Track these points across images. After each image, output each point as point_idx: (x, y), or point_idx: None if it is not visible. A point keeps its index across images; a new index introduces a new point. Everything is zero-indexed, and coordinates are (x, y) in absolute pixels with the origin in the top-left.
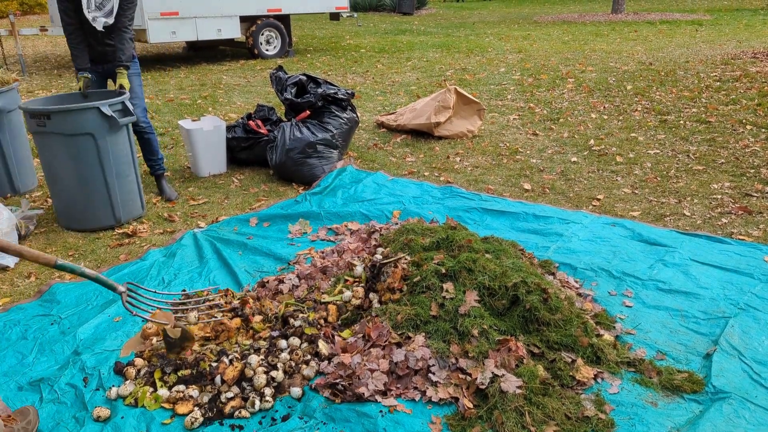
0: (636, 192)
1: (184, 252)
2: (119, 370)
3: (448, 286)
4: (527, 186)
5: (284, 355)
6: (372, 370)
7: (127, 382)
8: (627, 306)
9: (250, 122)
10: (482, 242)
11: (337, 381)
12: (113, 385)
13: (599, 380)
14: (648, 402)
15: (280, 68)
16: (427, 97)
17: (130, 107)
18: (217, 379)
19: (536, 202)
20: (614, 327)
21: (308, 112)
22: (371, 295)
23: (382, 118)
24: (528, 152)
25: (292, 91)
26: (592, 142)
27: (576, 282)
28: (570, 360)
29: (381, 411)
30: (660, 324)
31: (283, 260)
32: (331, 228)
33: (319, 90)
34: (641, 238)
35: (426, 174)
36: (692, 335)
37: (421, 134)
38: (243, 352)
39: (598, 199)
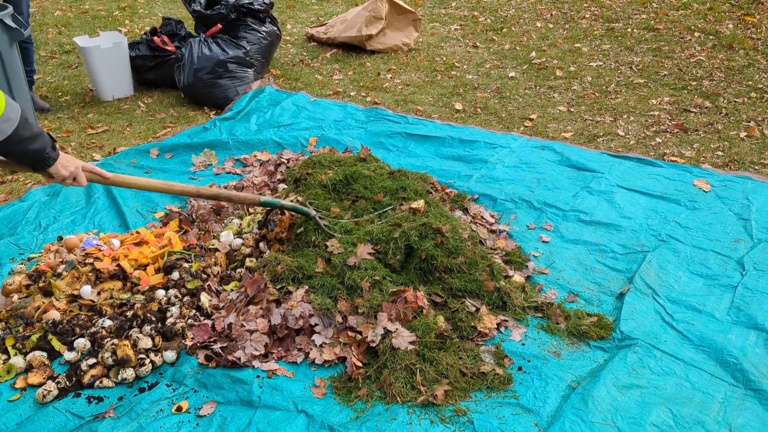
0: (571, 110)
1: (70, 190)
2: None
3: (332, 242)
4: (458, 106)
5: (174, 309)
6: (251, 331)
7: None
8: (544, 242)
9: (155, 38)
10: (388, 177)
11: (211, 342)
12: None
13: (502, 329)
14: (551, 352)
15: None
16: (359, 6)
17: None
18: (79, 341)
19: (466, 124)
20: (526, 266)
21: (220, 25)
22: (261, 244)
23: (311, 30)
24: (465, 67)
25: (201, 1)
26: (533, 54)
27: (492, 216)
28: (474, 309)
29: (258, 376)
30: (576, 261)
31: (180, 198)
32: (239, 159)
33: (232, 0)
34: (569, 163)
35: (352, 94)
36: (608, 272)
37: (354, 48)
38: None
39: (531, 120)
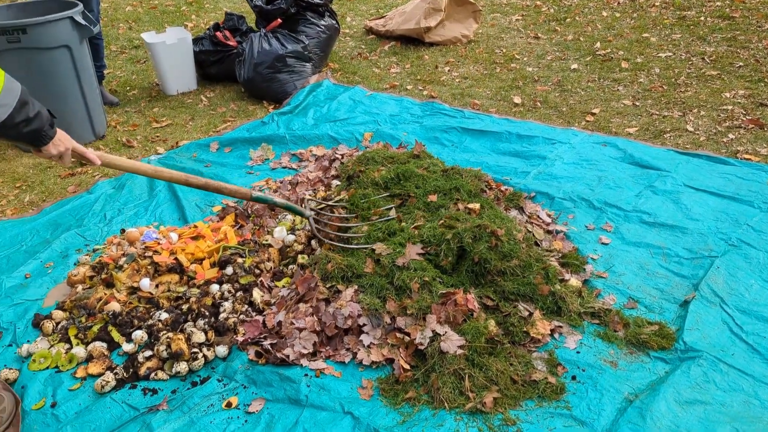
0: (637, 104)
1: (134, 183)
2: (37, 324)
3: (378, 245)
4: (517, 100)
5: (227, 305)
6: (300, 329)
7: (40, 338)
8: (603, 243)
9: (218, 33)
10: (441, 176)
11: (260, 339)
12: (28, 341)
13: (557, 335)
14: (607, 362)
15: None
16: None
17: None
18: (137, 333)
19: (524, 119)
20: (584, 269)
21: (279, 20)
22: (313, 242)
23: (370, 23)
24: (525, 59)
25: None
26: (597, 45)
27: (549, 215)
28: (527, 313)
29: (306, 374)
30: (637, 265)
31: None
32: (295, 153)
33: None
34: (633, 160)
35: (409, 87)
36: (671, 278)
37: (412, 40)
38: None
39: (593, 114)
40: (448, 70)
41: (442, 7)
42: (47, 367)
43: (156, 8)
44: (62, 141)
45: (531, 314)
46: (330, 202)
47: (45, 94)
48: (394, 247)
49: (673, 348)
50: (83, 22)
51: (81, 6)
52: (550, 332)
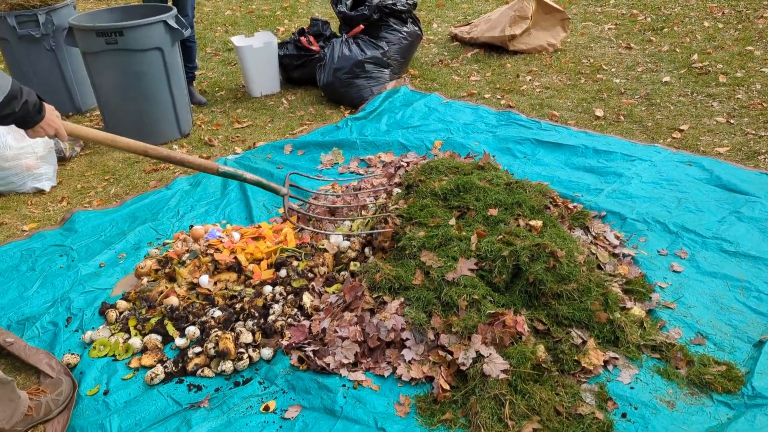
0: (731, 122)
1: (209, 181)
2: (103, 312)
3: (430, 256)
4: (599, 112)
5: (277, 307)
6: (343, 338)
7: (102, 327)
8: (674, 271)
9: (302, 38)
10: (504, 189)
11: (304, 344)
12: (93, 328)
13: (610, 367)
14: (663, 401)
15: None
16: (505, 5)
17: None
18: (190, 329)
19: (604, 133)
20: (650, 298)
21: (362, 26)
22: (366, 249)
23: (455, 30)
24: (613, 70)
25: (347, 2)
26: (695, 57)
27: (617, 237)
28: (580, 341)
29: (344, 385)
30: (710, 297)
31: (304, 194)
32: (364, 159)
33: (375, 0)
34: (719, 183)
35: (487, 96)
36: (748, 315)
37: (496, 48)
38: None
39: (681, 131)
40: (530, 80)
41: (528, 15)
42: (105, 355)
43: (252, 12)
44: (49, 125)
45: (584, 342)
46: (382, 215)
47: (136, 93)
48: (445, 260)
49: (740, 392)
50: (175, 26)
51: (175, 10)
52: (603, 363)
